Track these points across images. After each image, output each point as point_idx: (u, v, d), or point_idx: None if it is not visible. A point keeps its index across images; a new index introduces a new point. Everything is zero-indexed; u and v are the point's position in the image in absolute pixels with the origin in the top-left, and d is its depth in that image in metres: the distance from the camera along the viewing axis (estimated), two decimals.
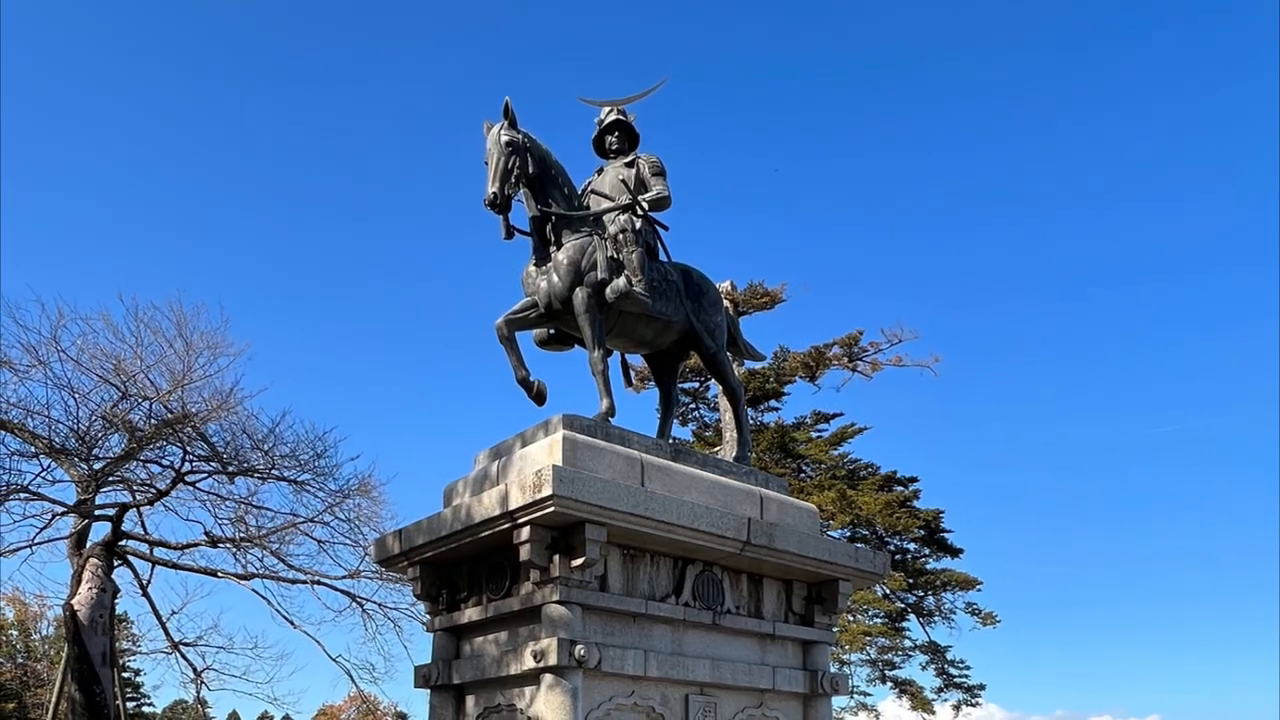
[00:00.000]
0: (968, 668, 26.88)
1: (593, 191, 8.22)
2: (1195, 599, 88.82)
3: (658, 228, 8.22)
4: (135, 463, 17.57)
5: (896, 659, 26.93)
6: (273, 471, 18.05)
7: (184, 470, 17.47)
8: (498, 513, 6.19)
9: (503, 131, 7.36)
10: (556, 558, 6.14)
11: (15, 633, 42.48)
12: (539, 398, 7.63)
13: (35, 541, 17.24)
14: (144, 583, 18.53)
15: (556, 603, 6.13)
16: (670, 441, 7.89)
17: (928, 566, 26.82)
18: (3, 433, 16.16)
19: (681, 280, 8.17)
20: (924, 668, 26.97)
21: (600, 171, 8.42)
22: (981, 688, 26.86)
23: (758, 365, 24.78)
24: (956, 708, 26.86)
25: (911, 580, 26.01)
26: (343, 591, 18.93)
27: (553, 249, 7.55)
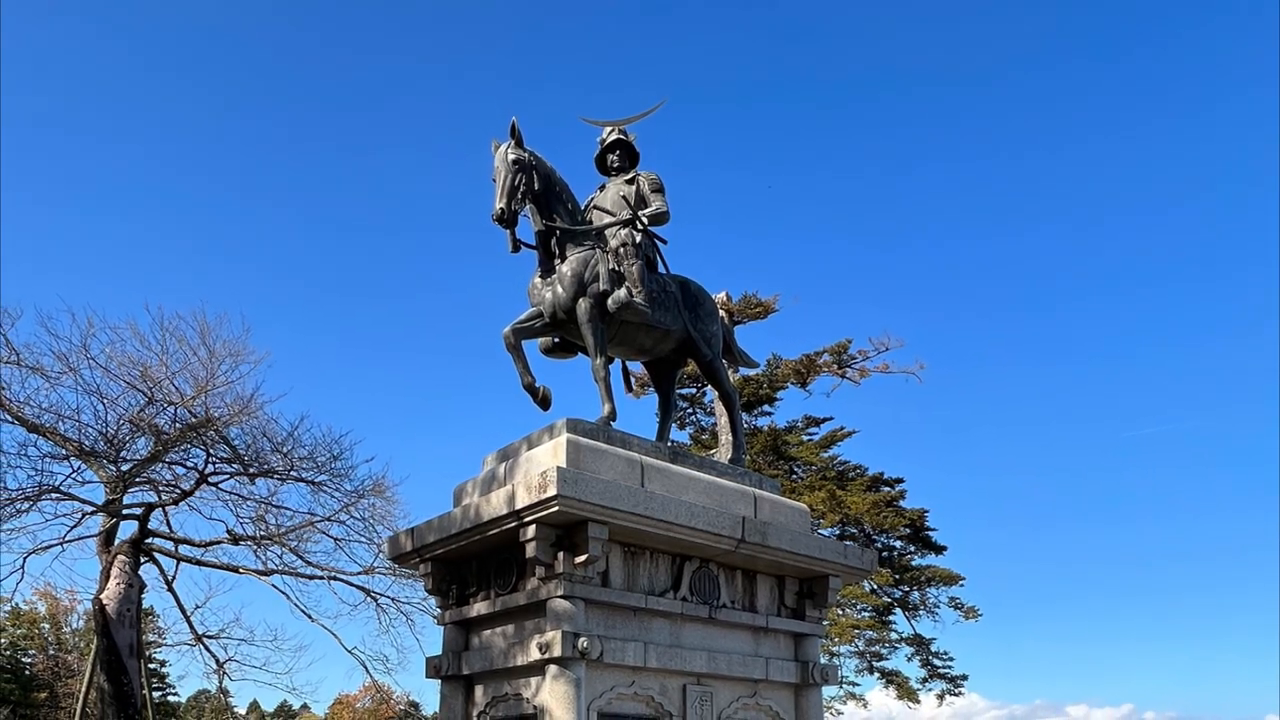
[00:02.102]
0: (951, 659, 26.81)
1: (595, 207, 8.22)
2: (1166, 596, 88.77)
3: (657, 241, 8.21)
4: (161, 464, 17.57)
5: (883, 651, 26.86)
6: (291, 473, 18.04)
7: (207, 472, 17.46)
8: (505, 512, 6.18)
9: (510, 150, 7.37)
10: (561, 555, 6.12)
11: (47, 626, 42.36)
12: (544, 403, 7.61)
13: (66, 539, 17.24)
14: (169, 578, 18.51)
15: (561, 597, 6.12)
16: (669, 444, 7.88)
17: (913, 563, 26.76)
18: (35, 436, 16.16)
19: (680, 291, 8.16)
20: (909, 659, 26.90)
21: (602, 188, 8.42)
22: (964, 678, 26.78)
23: (752, 372, 24.77)
24: (940, 697, 26.77)
25: (898, 576, 25.95)
26: (358, 587, 18.91)
27: (557, 262, 7.55)
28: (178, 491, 17.75)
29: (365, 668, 19.39)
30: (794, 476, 26.85)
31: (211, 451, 17.34)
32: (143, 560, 17.30)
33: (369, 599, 19.05)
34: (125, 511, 17.18)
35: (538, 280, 7.72)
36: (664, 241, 8.27)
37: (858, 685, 27.16)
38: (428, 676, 7.42)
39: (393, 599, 19.23)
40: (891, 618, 26.95)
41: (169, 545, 18.30)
